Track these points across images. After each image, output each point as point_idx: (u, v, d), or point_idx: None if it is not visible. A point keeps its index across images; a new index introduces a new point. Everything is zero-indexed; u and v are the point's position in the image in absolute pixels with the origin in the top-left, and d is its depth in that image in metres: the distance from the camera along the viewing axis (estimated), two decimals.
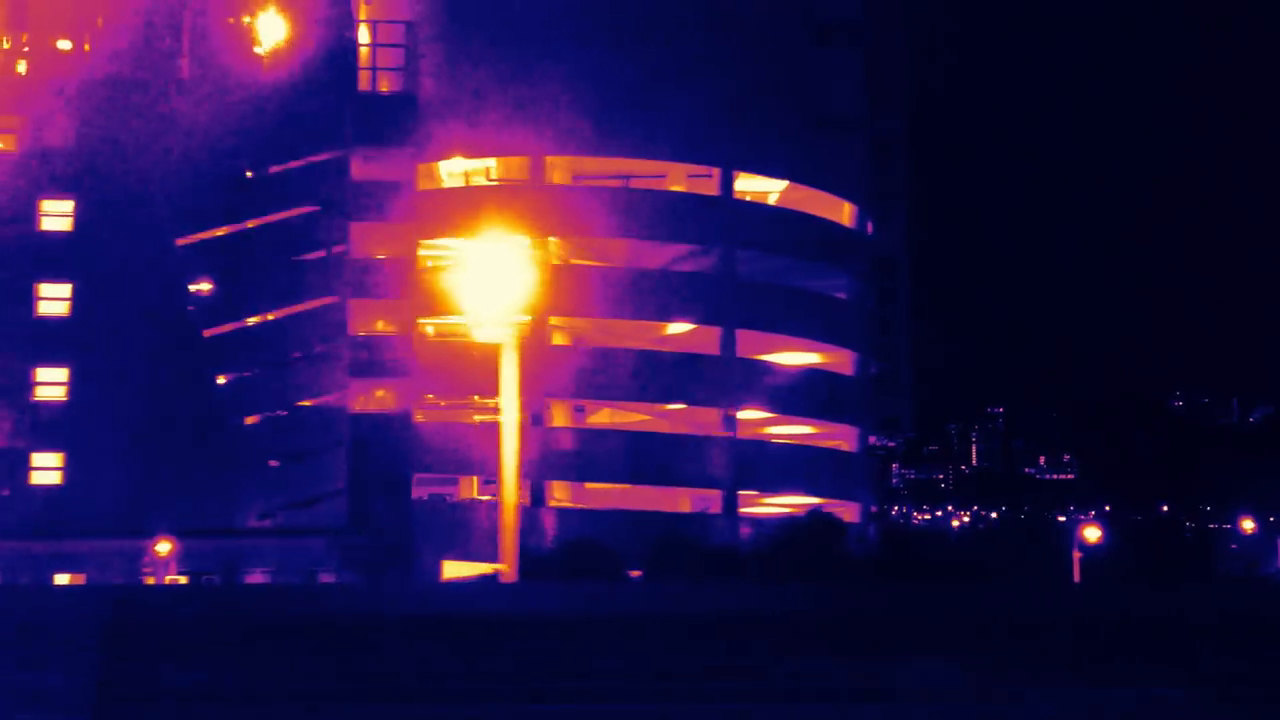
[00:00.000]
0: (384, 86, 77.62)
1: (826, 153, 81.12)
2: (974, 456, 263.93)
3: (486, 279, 35.20)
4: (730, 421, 76.53)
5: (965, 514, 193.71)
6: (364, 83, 76.97)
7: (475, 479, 79.49)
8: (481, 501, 78.92)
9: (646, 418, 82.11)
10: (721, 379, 76.84)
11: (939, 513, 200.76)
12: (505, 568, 46.36)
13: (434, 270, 77.34)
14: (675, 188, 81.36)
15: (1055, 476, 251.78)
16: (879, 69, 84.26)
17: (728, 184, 78.01)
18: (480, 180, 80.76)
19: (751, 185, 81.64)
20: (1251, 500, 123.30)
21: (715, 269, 77.81)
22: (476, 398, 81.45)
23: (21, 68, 74.90)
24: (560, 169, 79.39)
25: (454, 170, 80.00)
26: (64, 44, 74.93)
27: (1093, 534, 62.12)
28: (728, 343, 76.69)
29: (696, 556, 58.80)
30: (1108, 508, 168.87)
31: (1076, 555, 64.45)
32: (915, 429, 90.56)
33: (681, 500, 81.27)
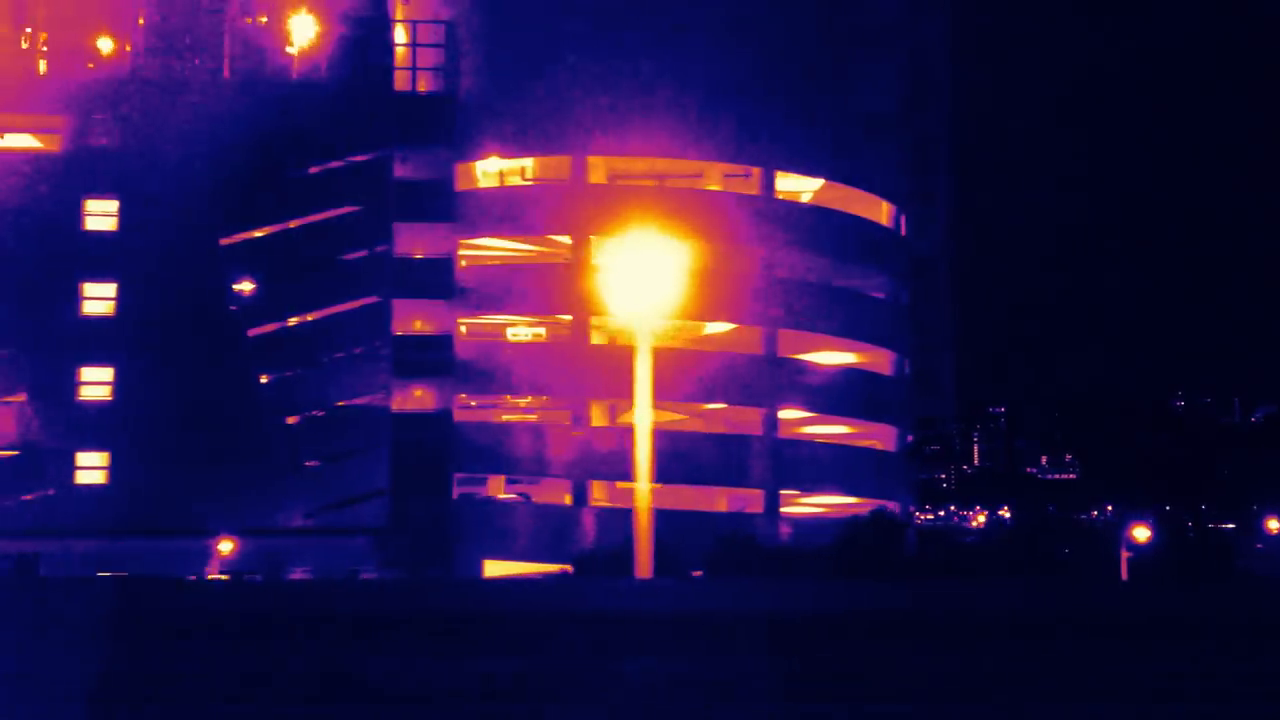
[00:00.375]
0: (423, 86, 77.69)
1: (865, 152, 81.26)
2: (975, 456, 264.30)
3: (631, 277, 35.02)
4: (772, 421, 76.73)
5: (982, 513, 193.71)
6: (404, 83, 77.07)
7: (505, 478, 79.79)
8: (522, 501, 79.16)
9: (682, 417, 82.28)
10: (763, 379, 77.00)
11: (941, 512, 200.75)
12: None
13: (476, 269, 77.62)
14: (712, 187, 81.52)
15: (1058, 476, 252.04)
16: (920, 69, 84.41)
17: (769, 184, 78.22)
18: (516, 180, 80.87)
19: (785, 185, 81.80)
20: (1263, 499, 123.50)
21: (756, 269, 78.08)
22: (509, 398, 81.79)
23: (63, 68, 74.77)
24: (596, 169, 79.53)
25: (489, 170, 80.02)
26: (105, 43, 74.87)
27: (1142, 534, 62.37)
28: (770, 342, 76.89)
29: (758, 556, 58.96)
30: (1109, 507, 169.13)
31: (1125, 555, 64.74)
32: (958, 428, 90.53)
33: (718, 500, 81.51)
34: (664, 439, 77.96)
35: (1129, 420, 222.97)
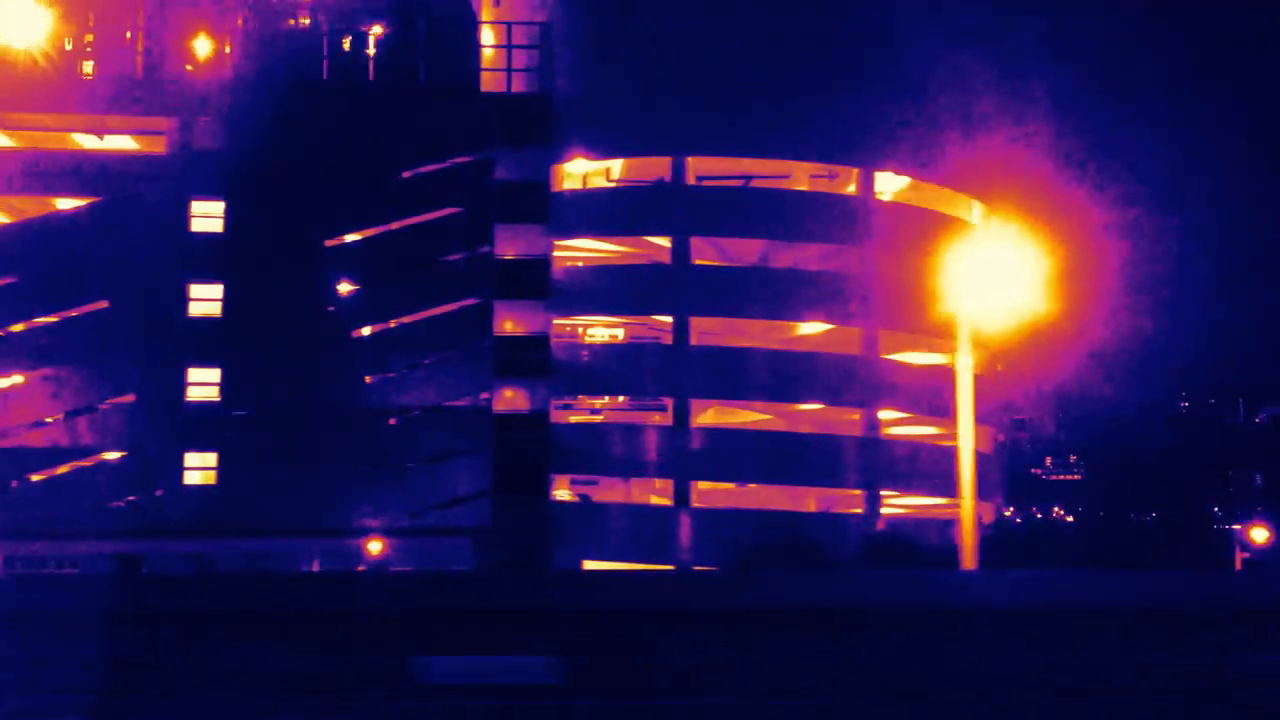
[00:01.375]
0: (516, 88, 77.88)
1: (955, 151, 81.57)
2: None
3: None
4: (872, 421, 76.91)
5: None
6: (498, 84, 77.25)
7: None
8: (620, 502, 79.30)
9: (766, 417, 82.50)
10: (859, 378, 77.16)
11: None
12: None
13: (568, 270, 77.78)
14: (799, 187, 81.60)
15: (1062, 477, 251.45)
16: (1015, 68, 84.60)
17: (868, 184, 78.43)
18: (600, 181, 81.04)
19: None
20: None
21: (852, 268, 78.25)
22: (606, 398, 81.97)
23: (163, 71, 75.00)
24: (680, 170, 79.59)
25: (573, 171, 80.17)
26: (204, 46, 75.10)
27: (1260, 535, 62.51)
28: (869, 343, 77.10)
29: (913, 557, 59.21)
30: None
31: (1241, 555, 64.84)
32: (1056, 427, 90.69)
33: (806, 500, 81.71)
34: (760, 439, 78.74)
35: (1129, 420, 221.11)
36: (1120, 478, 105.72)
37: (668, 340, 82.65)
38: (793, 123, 77.49)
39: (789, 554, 61.48)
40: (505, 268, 74.93)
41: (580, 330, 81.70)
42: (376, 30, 76.32)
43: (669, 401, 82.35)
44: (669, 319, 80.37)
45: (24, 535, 70.16)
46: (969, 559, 37.69)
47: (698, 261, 77.76)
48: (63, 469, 71.47)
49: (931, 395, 79.49)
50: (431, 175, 74.71)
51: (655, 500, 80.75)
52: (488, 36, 78.76)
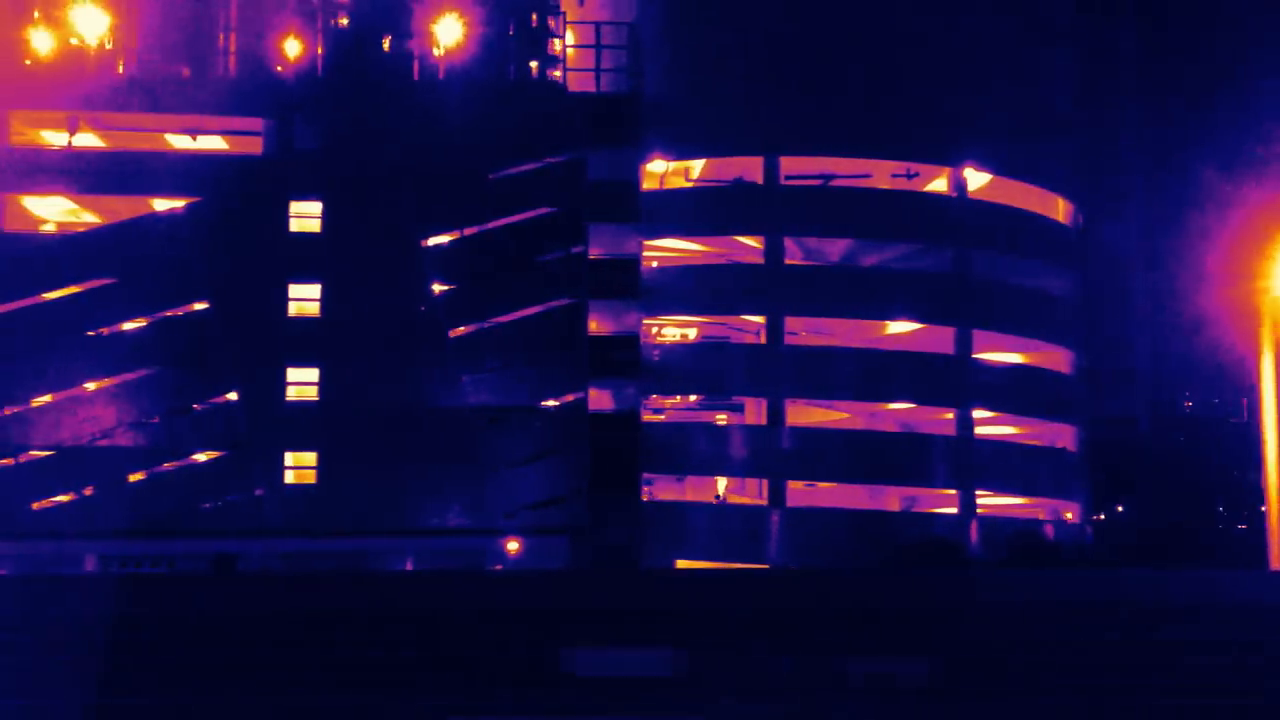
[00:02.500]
0: (604, 87, 78.02)
1: (1044, 149, 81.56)
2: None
3: None
4: (965, 421, 76.86)
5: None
6: (586, 84, 77.41)
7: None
8: (711, 501, 79.39)
9: (843, 415, 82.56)
10: (952, 378, 77.17)
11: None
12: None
13: (658, 269, 77.89)
14: (880, 186, 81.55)
15: None
16: (1106, 66, 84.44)
17: (960, 182, 78.36)
18: (679, 181, 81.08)
19: (944, 184, 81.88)
20: None
21: (940, 267, 78.18)
22: (685, 397, 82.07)
23: (253, 71, 75.27)
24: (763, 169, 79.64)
25: (652, 171, 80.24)
26: (295, 46, 75.34)
27: None
28: (962, 341, 77.01)
29: (1054, 558, 59.24)
30: (1119, 509, 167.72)
31: None
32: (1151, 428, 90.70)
33: (889, 500, 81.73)
34: (853, 439, 78.75)
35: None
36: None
37: (741, 339, 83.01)
38: (882, 121, 77.52)
39: (923, 555, 61.49)
40: (595, 267, 75.02)
41: (655, 330, 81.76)
42: (461, 29, 76.38)
43: (742, 400, 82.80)
44: (751, 319, 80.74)
45: (122, 535, 70.55)
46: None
47: (788, 261, 78.01)
48: (162, 469, 71.66)
49: (1023, 395, 79.56)
50: (524, 175, 74.81)
51: (734, 499, 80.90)
52: (571, 36, 78.81)
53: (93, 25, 73.68)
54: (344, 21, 76.14)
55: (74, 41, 73.70)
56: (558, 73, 77.70)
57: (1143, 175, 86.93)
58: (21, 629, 47.45)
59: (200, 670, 42.40)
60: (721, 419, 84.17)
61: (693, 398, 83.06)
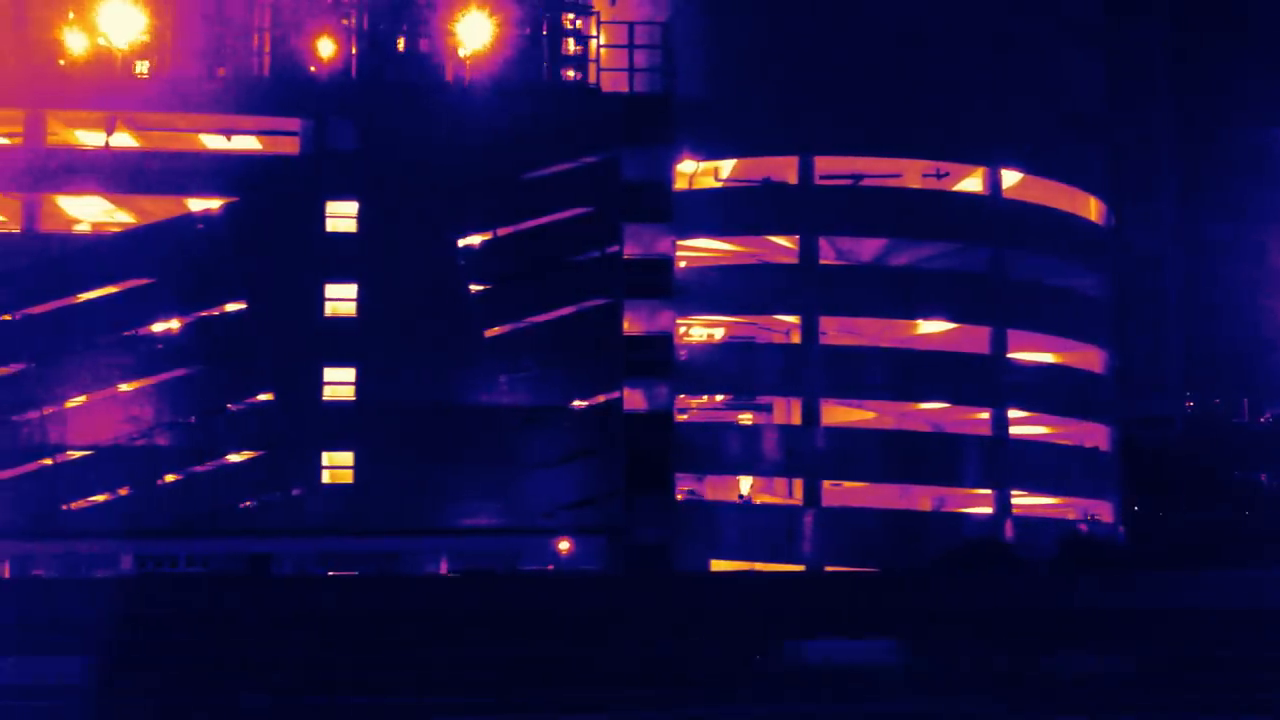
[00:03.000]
0: (636, 87, 78.03)
1: (1075, 150, 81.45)
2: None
3: None
4: (1001, 420, 76.78)
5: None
6: (615, 84, 77.44)
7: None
8: (747, 500, 79.31)
9: (870, 415, 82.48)
10: (984, 378, 77.06)
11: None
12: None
13: (692, 269, 77.83)
14: (910, 185, 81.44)
15: None
16: (1137, 66, 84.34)
17: (995, 182, 78.30)
18: (708, 181, 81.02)
19: (973, 183, 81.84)
20: None
21: (972, 267, 78.04)
22: (712, 397, 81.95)
23: (287, 72, 75.40)
24: (795, 169, 79.61)
25: (682, 170, 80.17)
26: (329, 47, 75.43)
27: None
28: (998, 341, 76.94)
29: (1102, 557, 59.25)
30: (1135, 508, 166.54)
31: None
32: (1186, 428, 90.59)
33: (921, 499, 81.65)
34: (889, 439, 78.67)
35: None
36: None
37: (767, 339, 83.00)
38: (914, 121, 77.37)
39: (975, 555, 61.51)
40: (628, 267, 75.04)
41: (683, 330, 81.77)
42: (495, 31, 76.44)
43: (769, 400, 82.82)
44: (781, 319, 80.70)
45: (160, 534, 70.69)
46: None
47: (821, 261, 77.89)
48: (199, 468, 71.73)
49: (1057, 394, 79.50)
50: (558, 175, 74.87)
51: (762, 498, 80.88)
52: (603, 36, 78.75)
53: (128, 27, 73.72)
54: (377, 24, 76.26)
55: (109, 43, 73.73)
56: (590, 73, 77.81)
57: (1175, 175, 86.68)
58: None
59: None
60: (746, 418, 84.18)
61: (719, 398, 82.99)
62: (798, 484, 79.90)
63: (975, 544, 65.57)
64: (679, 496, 76.45)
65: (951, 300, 77.24)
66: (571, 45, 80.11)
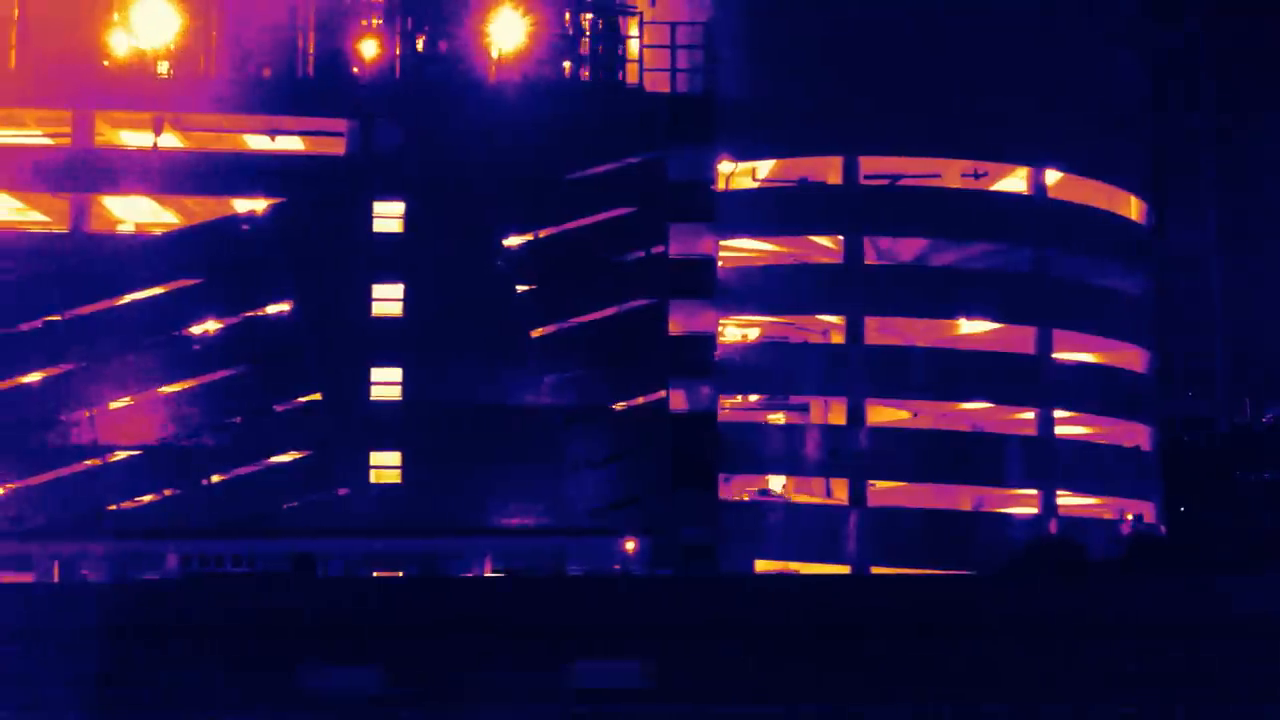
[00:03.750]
0: (677, 87, 78.08)
1: (1113, 149, 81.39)
2: None
3: None
4: (1046, 420, 76.81)
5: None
6: (657, 84, 77.49)
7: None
8: (789, 501, 79.38)
9: (905, 415, 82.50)
10: (1029, 377, 77.08)
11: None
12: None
13: (735, 270, 77.88)
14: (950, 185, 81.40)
15: None
16: (1179, 64, 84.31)
17: (1039, 182, 78.26)
18: (746, 181, 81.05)
19: (1011, 183, 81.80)
20: None
21: (1015, 266, 78.11)
22: (745, 397, 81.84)
23: (330, 72, 75.59)
24: (834, 169, 79.61)
25: (720, 171, 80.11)
26: (372, 47, 75.57)
27: None
28: (1043, 341, 76.95)
29: (1172, 559, 59.24)
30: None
31: None
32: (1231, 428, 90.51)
33: (961, 499, 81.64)
34: (935, 438, 78.71)
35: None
36: None
37: (801, 338, 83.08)
38: (954, 120, 77.34)
39: (1048, 556, 61.46)
40: (677, 267, 75.10)
41: (718, 331, 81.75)
42: (537, 31, 76.55)
43: (805, 400, 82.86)
44: (823, 319, 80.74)
45: (206, 534, 70.82)
46: None
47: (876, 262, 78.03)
48: (246, 469, 71.87)
49: (1101, 394, 79.50)
50: (602, 175, 75.00)
51: (799, 498, 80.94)
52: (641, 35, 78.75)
53: (173, 28, 73.88)
54: (420, 24, 76.36)
55: (154, 45, 73.89)
56: (629, 73, 77.89)
57: (1218, 174, 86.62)
58: None
59: None
60: (777, 418, 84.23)
61: (753, 397, 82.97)
62: (835, 483, 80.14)
63: (1047, 545, 65.49)
64: (744, 497, 76.51)
65: (996, 300, 77.20)
66: (619, 46, 79.94)
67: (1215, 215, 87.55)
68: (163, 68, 74.03)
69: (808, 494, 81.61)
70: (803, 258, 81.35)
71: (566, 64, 78.08)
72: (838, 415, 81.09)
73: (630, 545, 70.44)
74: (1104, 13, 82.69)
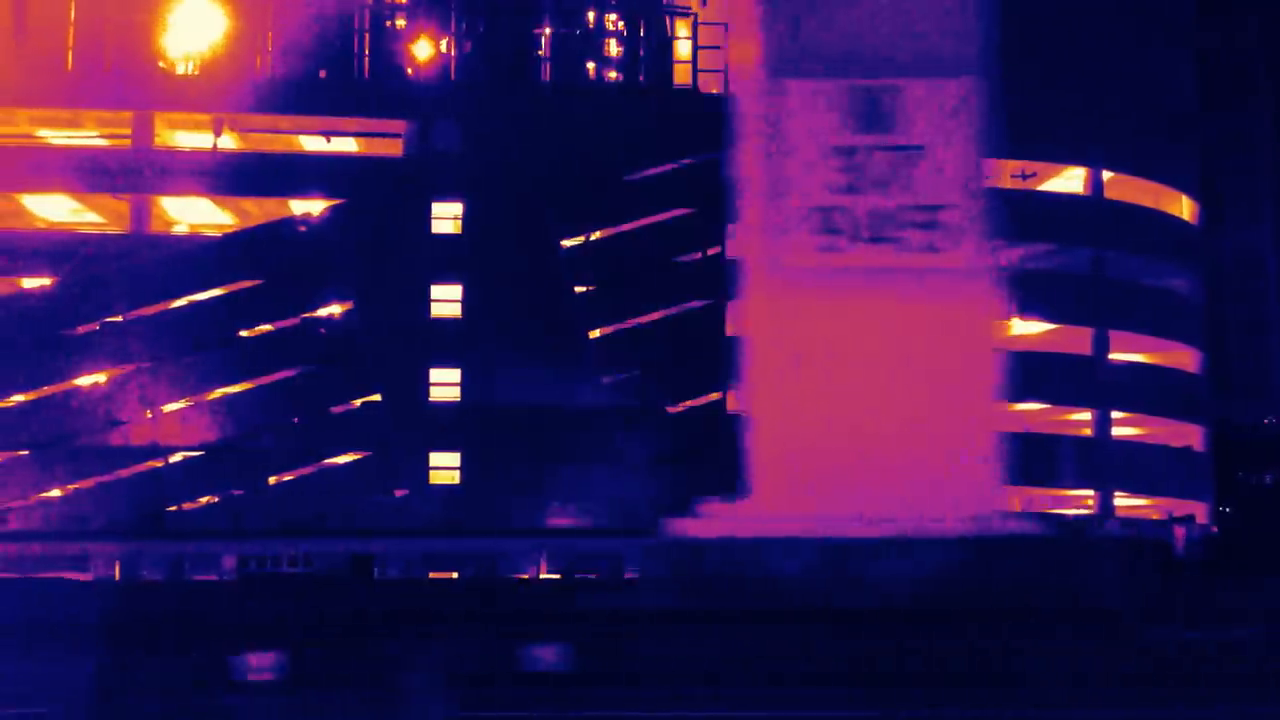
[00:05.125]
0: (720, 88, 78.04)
1: (1164, 148, 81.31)
2: None
3: None
4: (1104, 420, 76.81)
5: None
6: (714, 85, 77.48)
7: None
8: None
9: None
10: (1084, 377, 77.06)
11: None
12: None
13: None
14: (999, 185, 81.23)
15: None
16: (1231, 63, 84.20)
17: (1097, 182, 78.22)
18: None
19: (1058, 184, 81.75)
20: None
21: (1068, 267, 78.10)
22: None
23: (385, 74, 75.72)
24: None
25: None
26: (427, 48, 75.63)
27: None
28: (1099, 341, 76.96)
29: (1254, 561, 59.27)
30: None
31: None
32: None
33: (1012, 500, 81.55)
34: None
35: None
36: None
37: None
38: (1011, 120, 76.69)
39: (1139, 556, 61.36)
40: (736, 268, 74.86)
41: None
42: (593, 32, 76.61)
43: None
44: None
45: (266, 535, 70.96)
46: None
47: None
48: (306, 470, 72.03)
49: (1155, 395, 79.47)
50: (660, 176, 75.03)
51: None
52: (685, 38, 78.74)
53: (229, 29, 74.00)
54: (476, 25, 76.42)
55: (212, 45, 74.02)
56: (675, 73, 77.92)
57: (1273, 173, 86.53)
58: None
59: None
60: None
61: None
62: None
63: (1135, 545, 65.35)
64: None
65: (1052, 301, 77.17)
66: (671, 47, 79.89)
67: (1271, 214, 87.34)
68: (222, 69, 74.02)
69: None
70: None
71: (624, 66, 78.05)
72: None
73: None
74: (1156, 10, 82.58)
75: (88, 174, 72.49)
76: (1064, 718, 36.69)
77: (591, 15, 79.18)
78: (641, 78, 78.26)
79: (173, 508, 70.93)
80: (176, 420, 71.24)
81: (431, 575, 72.47)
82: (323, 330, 72.26)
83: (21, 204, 75.84)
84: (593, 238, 75.14)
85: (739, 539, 61.55)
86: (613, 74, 78.78)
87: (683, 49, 78.40)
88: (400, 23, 75.69)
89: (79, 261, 71.35)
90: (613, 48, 78.86)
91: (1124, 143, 79.57)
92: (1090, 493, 77.04)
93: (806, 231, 63.00)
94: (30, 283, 73.20)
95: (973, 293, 62.95)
